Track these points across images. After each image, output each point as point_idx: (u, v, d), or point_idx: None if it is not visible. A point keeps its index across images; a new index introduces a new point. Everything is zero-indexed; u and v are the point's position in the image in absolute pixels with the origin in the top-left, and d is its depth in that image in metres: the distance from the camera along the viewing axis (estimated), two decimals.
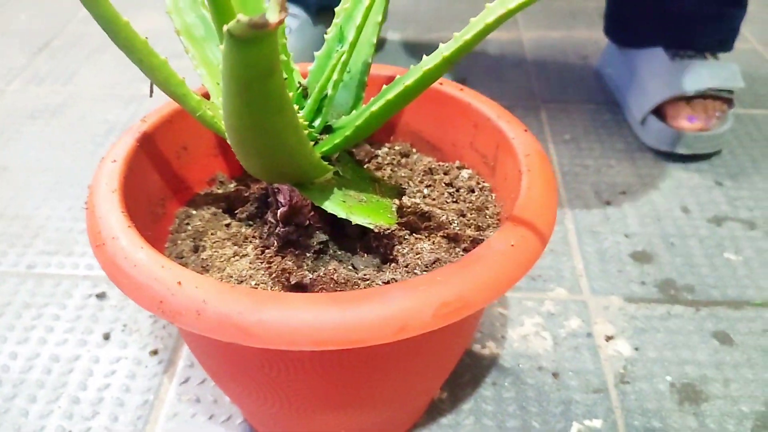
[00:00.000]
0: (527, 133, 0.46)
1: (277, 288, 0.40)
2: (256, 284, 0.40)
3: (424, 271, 0.41)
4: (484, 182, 0.50)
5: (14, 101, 0.90)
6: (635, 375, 0.55)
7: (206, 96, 0.47)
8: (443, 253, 0.43)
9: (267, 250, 0.43)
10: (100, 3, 0.32)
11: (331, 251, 0.43)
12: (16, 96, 0.91)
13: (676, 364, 0.56)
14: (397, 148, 0.54)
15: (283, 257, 0.42)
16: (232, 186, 0.51)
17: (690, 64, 0.79)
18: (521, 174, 0.42)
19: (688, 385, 0.54)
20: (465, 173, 0.51)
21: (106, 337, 0.57)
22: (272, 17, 0.20)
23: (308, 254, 0.42)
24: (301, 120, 0.37)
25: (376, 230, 0.40)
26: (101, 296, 0.61)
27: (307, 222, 0.42)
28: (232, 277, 0.41)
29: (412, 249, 0.43)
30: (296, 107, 0.38)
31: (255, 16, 0.21)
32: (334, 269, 0.41)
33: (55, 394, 0.53)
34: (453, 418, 0.52)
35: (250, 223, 0.47)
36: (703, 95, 0.78)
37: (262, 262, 0.42)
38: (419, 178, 0.51)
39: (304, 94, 0.39)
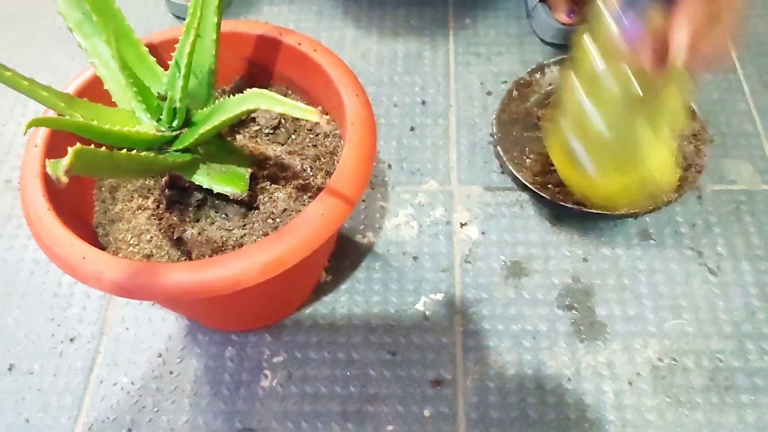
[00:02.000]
0: (358, 98, 0.58)
1: (165, 240, 0.56)
2: (150, 237, 0.56)
3: (278, 218, 0.56)
4: (336, 129, 0.62)
5: None
6: (477, 255, 0.71)
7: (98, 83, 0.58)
8: (292, 203, 0.57)
9: (160, 206, 0.58)
10: None
11: (209, 203, 0.57)
12: None
13: (512, 245, 0.72)
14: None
15: (170, 213, 0.57)
16: None
17: None
18: (344, 141, 0.55)
19: (516, 262, 0.71)
20: (324, 120, 0.63)
21: None
22: (62, 179, 0.34)
23: (190, 209, 0.57)
24: (160, 126, 0.50)
25: (232, 197, 0.54)
26: None
27: (187, 184, 0.56)
28: (135, 228, 0.57)
29: (270, 198, 0.57)
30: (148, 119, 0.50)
31: (53, 172, 0.34)
32: (210, 222, 0.56)
33: (38, 290, 0.71)
34: (333, 296, 0.69)
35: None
36: None
37: (155, 219, 0.57)
38: (288, 124, 0.63)
39: (163, 98, 0.51)
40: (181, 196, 0.57)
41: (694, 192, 0.74)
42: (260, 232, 0.55)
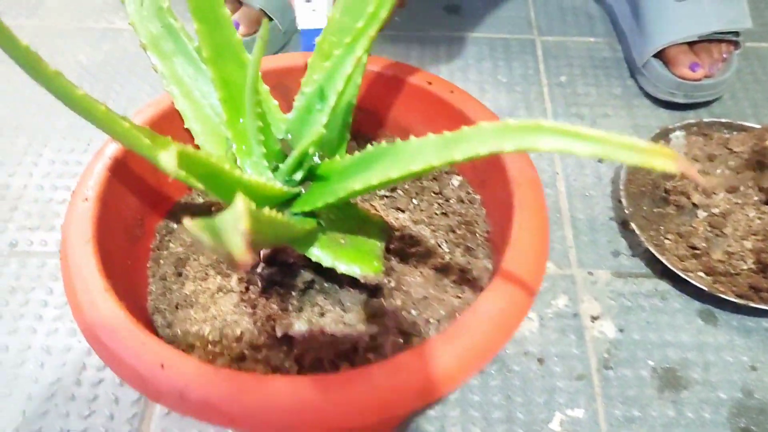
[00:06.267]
0: (521, 154, 0.44)
1: (262, 337, 0.40)
2: (241, 332, 0.40)
3: (414, 309, 0.41)
4: (473, 193, 0.48)
5: None
6: (619, 359, 0.56)
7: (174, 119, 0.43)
8: (431, 289, 0.42)
9: (251, 288, 0.42)
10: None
11: (317, 286, 0.42)
12: None
13: (660, 347, 0.57)
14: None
15: (267, 299, 0.41)
16: None
17: (695, 4, 0.74)
18: (513, 208, 0.41)
19: (669, 370, 0.56)
20: (455, 180, 0.49)
21: None
22: (241, 254, 0.19)
23: (294, 293, 0.41)
24: (276, 177, 0.35)
25: (363, 281, 0.39)
26: None
27: (292, 260, 0.41)
28: (216, 319, 0.41)
29: (399, 281, 0.42)
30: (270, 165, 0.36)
31: (234, 256, 0.19)
32: (320, 313, 0.40)
33: (49, 390, 0.54)
34: (440, 409, 0.53)
35: None
36: (708, 38, 0.74)
37: (246, 305, 0.41)
38: (408, 185, 0.49)
39: (286, 150, 0.36)
40: (283, 276, 0.41)
41: None
42: (396, 329, 0.40)
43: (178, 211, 0.48)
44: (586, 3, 0.89)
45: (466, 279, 0.43)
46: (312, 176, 0.38)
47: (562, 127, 0.25)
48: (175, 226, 0.47)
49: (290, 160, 0.35)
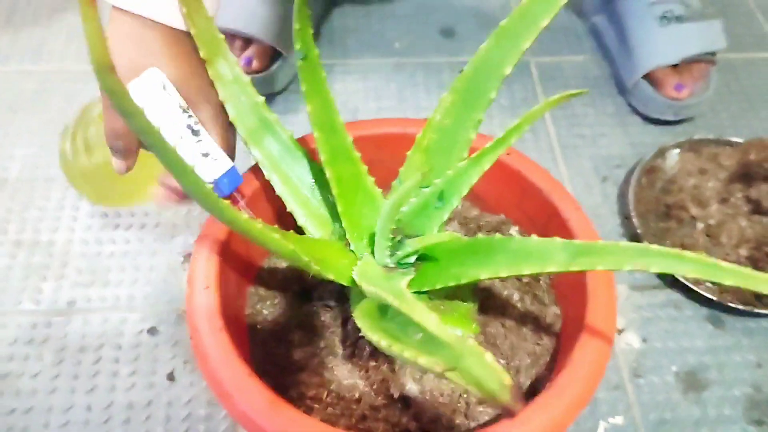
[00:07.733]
0: (580, 211, 0.50)
1: (380, 399, 0.45)
2: (359, 395, 0.45)
3: (501, 359, 0.47)
4: None
5: None
6: (646, 368, 0.64)
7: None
8: (513, 339, 0.48)
9: (357, 352, 0.47)
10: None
11: None
12: None
13: (679, 354, 0.65)
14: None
15: (376, 361, 0.46)
16: None
17: (678, 28, 0.81)
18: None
19: (690, 374, 0.64)
20: (513, 231, 0.54)
21: (171, 377, 0.61)
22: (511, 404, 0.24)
23: None
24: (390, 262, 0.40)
25: None
26: (152, 331, 0.64)
27: None
28: (332, 383, 0.46)
29: (485, 333, 0.48)
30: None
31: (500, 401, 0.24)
32: (423, 370, 0.45)
33: None
34: None
35: (327, 304, 0.50)
36: (689, 59, 0.81)
37: (359, 370, 0.46)
38: (472, 222, 0.54)
39: (397, 235, 0.41)
40: None
41: None
42: None
43: (264, 277, 0.52)
44: (573, 22, 0.95)
45: (541, 326, 0.49)
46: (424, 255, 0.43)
47: (698, 257, 0.30)
48: (263, 292, 0.51)
49: (410, 250, 0.40)
